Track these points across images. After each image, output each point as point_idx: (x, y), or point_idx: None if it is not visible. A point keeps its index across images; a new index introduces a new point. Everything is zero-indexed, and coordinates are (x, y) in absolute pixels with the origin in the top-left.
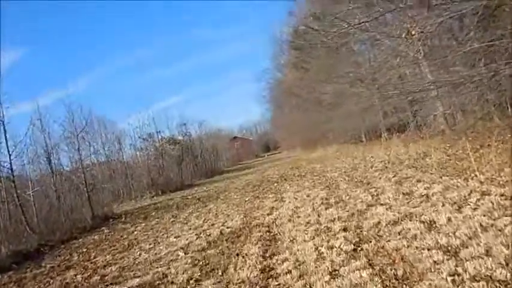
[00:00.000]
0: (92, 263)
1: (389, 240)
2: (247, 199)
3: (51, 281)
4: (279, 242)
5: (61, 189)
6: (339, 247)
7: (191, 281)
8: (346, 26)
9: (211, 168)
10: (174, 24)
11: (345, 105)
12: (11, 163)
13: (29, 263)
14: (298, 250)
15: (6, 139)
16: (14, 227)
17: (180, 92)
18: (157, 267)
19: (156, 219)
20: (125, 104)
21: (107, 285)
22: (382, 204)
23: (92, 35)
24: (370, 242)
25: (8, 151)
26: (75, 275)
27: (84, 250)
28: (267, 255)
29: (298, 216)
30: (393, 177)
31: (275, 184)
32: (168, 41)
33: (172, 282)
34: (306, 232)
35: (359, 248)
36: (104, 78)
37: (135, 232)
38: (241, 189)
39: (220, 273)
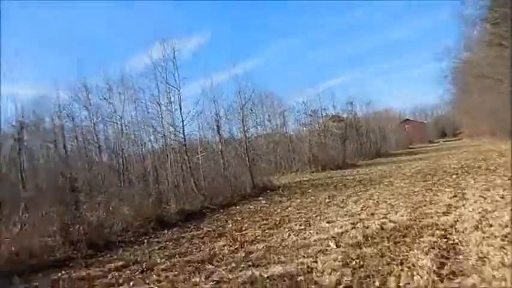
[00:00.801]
0: (242, 235)
1: None
2: (416, 190)
3: (202, 247)
4: (461, 256)
5: (227, 156)
6: None
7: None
8: None
9: (377, 150)
10: (344, 5)
11: None
12: (183, 128)
13: (191, 222)
14: (494, 277)
15: (180, 107)
16: (184, 188)
17: (348, 71)
18: (303, 256)
19: (312, 197)
20: (293, 82)
21: (249, 266)
22: None
23: (262, 17)
24: None
25: (182, 118)
26: (223, 246)
27: (239, 219)
28: (444, 273)
29: (490, 225)
30: None
31: (453, 176)
32: (339, 21)
33: (315, 283)
34: (505, 251)
35: None
36: (274, 58)
37: (289, 208)
38: (409, 176)
39: (377, 285)
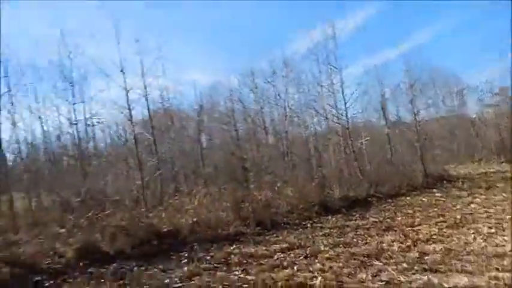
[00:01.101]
0: (414, 231)
1: None
2: None
3: (369, 239)
4: None
5: (394, 142)
6: None
7: None
8: None
9: None
10: None
11: None
12: (346, 111)
13: (355, 210)
14: None
15: (342, 89)
16: (348, 173)
17: None
18: (496, 269)
19: (503, 194)
20: (473, 56)
21: (425, 270)
22: None
23: None
24: None
25: (344, 100)
26: (393, 241)
27: (410, 212)
28: None
29: None
30: None
31: None
32: None
33: None
34: None
35: None
36: (449, 31)
37: (472, 205)
38: None
39: None
